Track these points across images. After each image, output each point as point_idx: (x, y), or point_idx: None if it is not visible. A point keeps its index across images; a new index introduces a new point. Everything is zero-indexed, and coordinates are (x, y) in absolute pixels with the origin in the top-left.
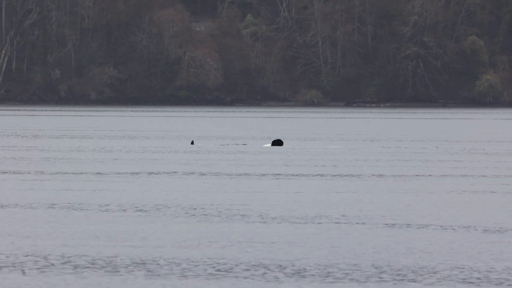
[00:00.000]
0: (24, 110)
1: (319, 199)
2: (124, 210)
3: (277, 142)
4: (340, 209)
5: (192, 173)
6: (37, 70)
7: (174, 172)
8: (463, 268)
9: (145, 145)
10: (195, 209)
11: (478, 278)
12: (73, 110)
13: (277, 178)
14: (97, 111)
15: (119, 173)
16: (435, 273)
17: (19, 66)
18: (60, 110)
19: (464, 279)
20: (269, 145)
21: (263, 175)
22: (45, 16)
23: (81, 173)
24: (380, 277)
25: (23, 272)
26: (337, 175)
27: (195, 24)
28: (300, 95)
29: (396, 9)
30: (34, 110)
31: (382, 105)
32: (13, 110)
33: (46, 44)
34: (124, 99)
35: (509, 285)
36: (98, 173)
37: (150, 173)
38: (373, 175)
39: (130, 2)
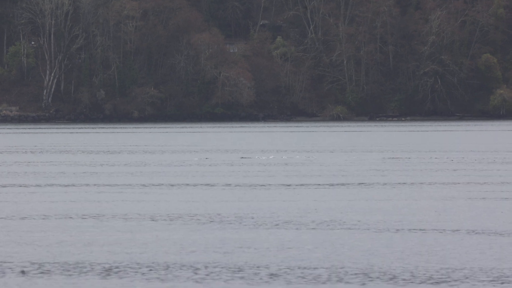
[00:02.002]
0: (72, 128)
1: (339, 206)
2: (166, 220)
3: None
4: (363, 215)
5: (232, 184)
6: (83, 91)
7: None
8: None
9: (178, 159)
10: (225, 217)
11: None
12: (117, 127)
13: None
14: (139, 127)
15: (160, 184)
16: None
17: (67, 88)
18: (105, 128)
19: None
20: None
21: (303, 185)
22: (90, 41)
23: (111, 185)
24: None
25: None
26: (362, 184)
27: (229, 46)
28: (327, 110)
29: (415, 29)
30: (81, 127)
31: (403, 118)
32: (62, 128)
33: (91, 66)
34: (164, 117)
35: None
36: (128, 184)
37: (172, 185)
38: (398, 183)
39: (169, 27)
